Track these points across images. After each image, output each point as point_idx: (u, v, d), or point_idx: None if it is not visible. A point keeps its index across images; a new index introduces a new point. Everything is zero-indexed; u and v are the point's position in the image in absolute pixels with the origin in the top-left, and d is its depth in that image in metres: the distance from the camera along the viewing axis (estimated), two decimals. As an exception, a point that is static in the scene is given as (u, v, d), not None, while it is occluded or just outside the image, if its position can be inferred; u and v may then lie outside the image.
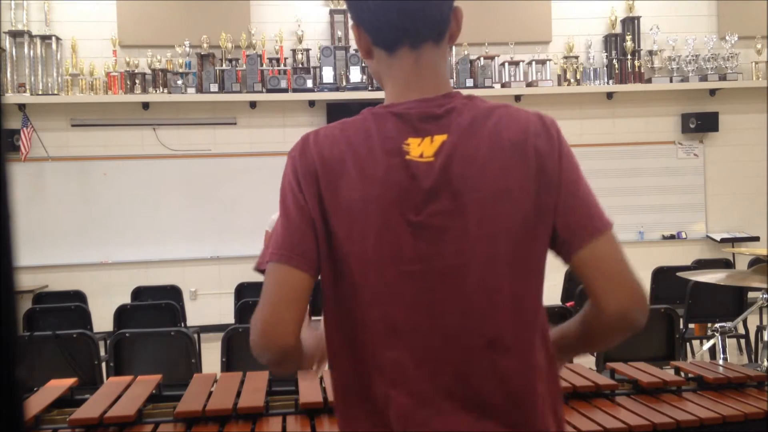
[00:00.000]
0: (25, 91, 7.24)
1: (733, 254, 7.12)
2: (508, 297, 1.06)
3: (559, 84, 7.93)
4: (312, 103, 7.76)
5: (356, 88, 7.63)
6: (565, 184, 1.08)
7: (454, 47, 7.62)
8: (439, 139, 1.08)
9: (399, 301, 1.06)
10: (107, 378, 3.02)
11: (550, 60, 7.90)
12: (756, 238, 7.99)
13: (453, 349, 1.05)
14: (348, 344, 1.09)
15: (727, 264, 6.05)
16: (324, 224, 1.08)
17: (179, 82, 7.45)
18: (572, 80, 7.94)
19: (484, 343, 1.05)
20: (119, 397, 2.21)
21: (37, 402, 2.19)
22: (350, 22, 1.20)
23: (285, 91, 7.54)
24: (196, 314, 6.52)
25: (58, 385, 2.35)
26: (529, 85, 7.82)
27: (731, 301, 4.79)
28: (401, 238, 1.06)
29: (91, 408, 2.10)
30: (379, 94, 7.96)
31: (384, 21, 1.12)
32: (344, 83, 7.69)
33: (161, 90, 7.49)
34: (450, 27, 1.15)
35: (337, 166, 1.07)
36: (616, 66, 8.02)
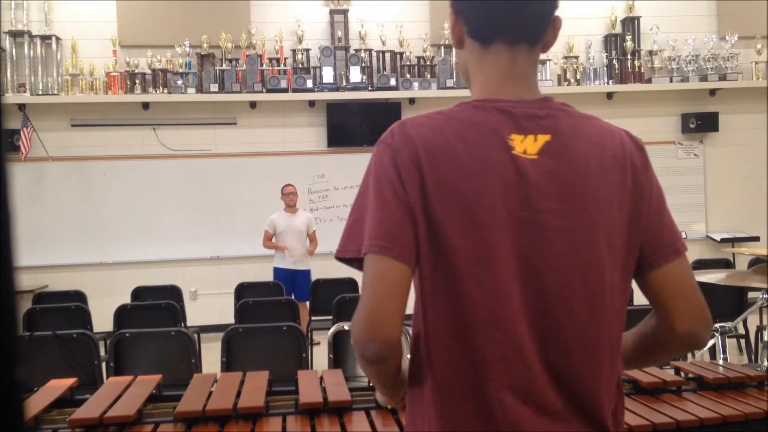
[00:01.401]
0: (25, 91, 7.25)
1: (733, 254, 7.12)
2: (605, 303, 1.07)
3: (559, 84, 7.94)
4: (312, 103, 7.76)
5: (356, 88, 7.63)
6: (655, 203, 1.12)
7: (453, 48, 7.61)
8: (543, 138, 1.08)
9: (503, 296, 1.04)
10: (107, 378, 3.02)
11: (550, 60, 7.90)
12: (756, 238, 7.99)
13: (553, 350, 1.05)
14: (451, 342, 1.06)
15: (727, 264, 6.04)
16: (425, 215, 1.04)
17: (179, 82, 7.45)
18: (572, 80, 7.95)
19: (582, 345, 1.06)
20: (119, 397, 2.21)
21: (37, 402, 2.19)
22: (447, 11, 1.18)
23: (285, 91, 7.54)
24: (196, 314, 6.52)
25: (58, 385, 2.35)
26: (529, 85, 7.82)
27: (731, 301, 4.79)
28: (507, 232, 1.04)
29: (91, 408, 2.10)
30: (380, 95, 7.96)
31: (484, 13, 1.11)
32: (344, 83, 7.69)
33: (161, 90, 7.49)
34: (546, 34, 1.14)
35: (445, 155, 1.05)
36: (616, 66, 8.02)
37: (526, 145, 1.07)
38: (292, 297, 6.46)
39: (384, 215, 1.04)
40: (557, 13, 1.14)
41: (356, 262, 1.08)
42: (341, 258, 1.10)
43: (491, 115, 1.08)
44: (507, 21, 1.10)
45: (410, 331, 1.16)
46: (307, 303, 6.33)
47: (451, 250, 1.04)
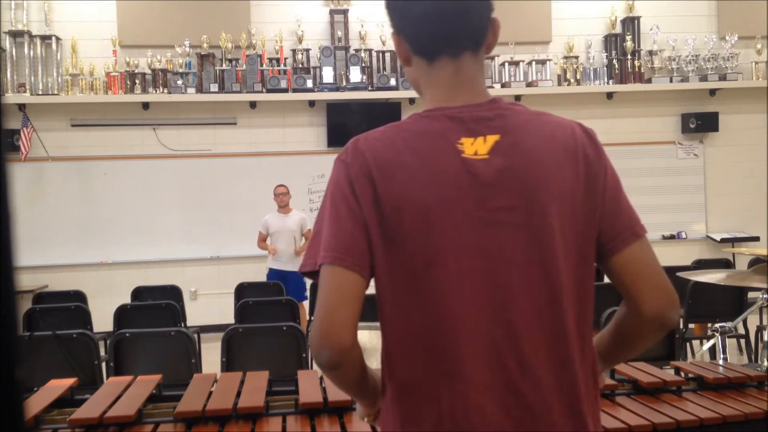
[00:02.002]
0: (25, 91, 7.25)
1: (733, 254, 7.12)
2: (566, 293, 1.09)
3: (559, 84, 7.94)
4: (312, 103, 7.76)
5: (356, 88, 7.63)
6: (610, 190, 1.14)
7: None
8: (492, 138, 1.11)
9: (465, 296, 1.07)
10: (107, 378, 3.02)
11: (550, 60, 7.90)
12: (756, 238, 7.99)
13: (517, 344, 1.07)
14: (412, 344, 1.09)
15: (727, 264, 6.04)
16: (380, 225, 1.08)
17: (179, 82, 7.45)
18: (572, 80, 7.94)
19: (547, 338, 1.08)
20: (119, 397, 2.21)
21: (37, 402, 2.19)
22: (389, 30, 1.22)
23: (285, 91, 7.54)
24: (196, 314, 6.52)
25: (58, 385, 2.35)
26: (529, 85, 7.83)
27: (731, 301, 4.79)
28: (465, 233, 1.07)
29: (91, 408, 2.10)
30: (379, 95, 7.95)
31: (425, 30, 1.15)
32: (344, 83, 7.69)
33: (161, 90, 7.49)
34: (487, 37, 1.17)
35: (396, 166, 1.09)
36: (616, 66, 8.02)
37: (477, 147, 1.10)
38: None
39: (338, 229, 1.09)
40: (492, 15, 1.17)
41: (317, 275, 1.12)
42: (303, 273, 1.14)
43: (440, 122, 1.12)
44: (447, 35, 1.14)
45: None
46: (305, 303, 6.32)
47: (408, 256, 1.08)
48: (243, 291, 5.57)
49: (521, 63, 7.85)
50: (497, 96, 1.17)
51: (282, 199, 6.63)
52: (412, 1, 1.14)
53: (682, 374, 2.48)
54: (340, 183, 1.11)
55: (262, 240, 6.65)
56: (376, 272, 1.10)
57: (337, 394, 2.19)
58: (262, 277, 6.64)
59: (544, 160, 1.10)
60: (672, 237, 8.06)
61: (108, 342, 3.42)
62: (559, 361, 1.08)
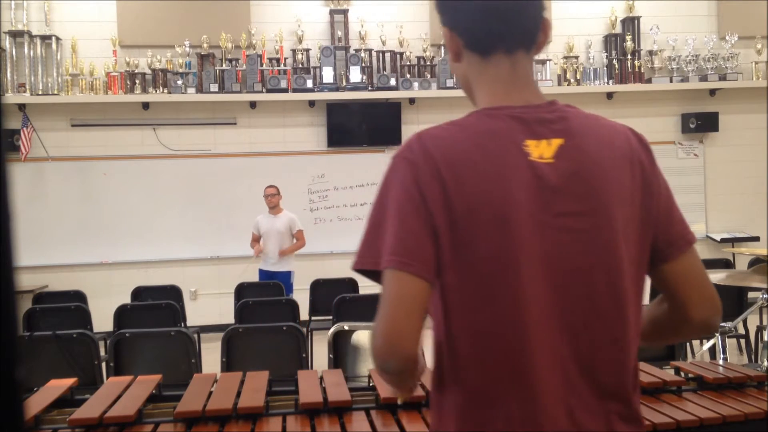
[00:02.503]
0: (25, 91, 7.25)
1: (733, 254, 7.11)
2: (628, 298, 1.10)
3: (559, 84, 7.94)
4: (312, 103, 7.76)
5: (356, 88, 7.63)
6: (664, 198, 1.15)
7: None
8: (556, 142, 1.10)
9: (533, 301, 1.06)
10: (107, 378, 3.02)
11: (550, 60, 7.90)
12: (756, 238, 7.99)
13: (580, 348, 1.08)
14: (483, 347, 1.07)
15: (727, 264, 6.04)
16: (450, 226, 1.05)
17: (179, 82, 7.46)
18: (572, 80, 7.95)
19: (611, 341, 1.09)
20: (119, 397, 2.21)
21: (37, 402, 2.19)
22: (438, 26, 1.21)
23: (285, 91, 7.54)
24: (196, 314, 6.52)
25: (58, 385, 2.35)
26: (529, 85, 7.82)
27: (731, 301, 4.79)
28: (533, 238, 1.06)
29: (91, 408, 2.10)
30: (379, 95, 7.93)
31: (480, 25, 1.13)
32: (344, 83, 7.69)
33: (161, 90, 7.49)
34: (539, 36, 1.16)
35: (464, 166, 1.06)
36: (616, 66, 8.02)
37: (542, 150, 1.09)
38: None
39: (404, 231, 1.05)
40: (545, 15, 1.16)
41: (373, 274, 1.09)
42: (358, 270, 1.10)
43: (504, 122, 1.10)
44: (503, 29, 1.13)
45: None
46: None
47: (480, 258, 1.05)
48: (243, 291, 5.57)
49: (521, 63, 7.85)
50: (553, 99, 1.16)
51: (271, 200, 6.55)
52: None
53: (682, 374, 2.48)
54: (405, 183, 1.07)
55: (255, 241, 6.63)
56: (442, 275, 1.07)
57: (337, 394, 2.19)
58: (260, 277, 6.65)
59: (606, 165, 1.10)
60: (672, 237, 8.04)
61: (108, 342, 3.42)
62: (619, 364, 1.10)
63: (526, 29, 1.14)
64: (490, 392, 1.07)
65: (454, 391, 1.10)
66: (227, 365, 3.23)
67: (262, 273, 6.58)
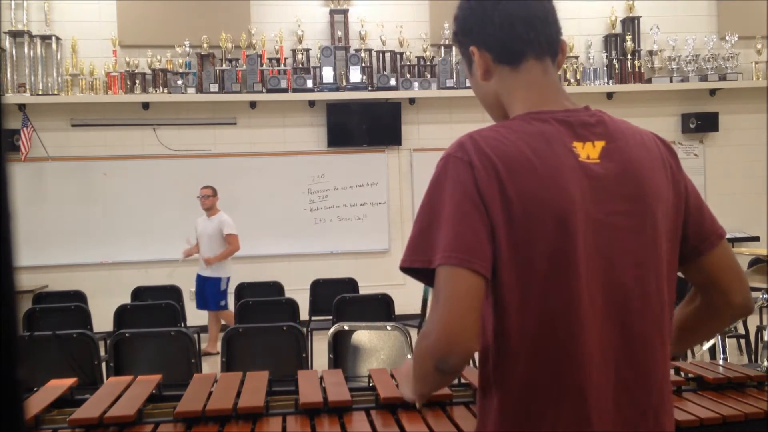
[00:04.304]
0: (25, 91, 7.25)
1: (733, 254, 7.11)
2: (667, 295, 1.16)
3: (559, 84, 7.93)
4: (312, 103, 7.76)
5: (356, 88, 7.63)
6: (692, 197, 1.21)
7: (453, 47, 7.62)
8: (600, 144, 1.13)
9: (588, 299, 1.08)
10: (107, 378, 3.02)
11: (550, 60, 7.90)
12: (756, 238, 7.99)
13: (632, 346, 1.11)
14: (538, 345, 1.08)
15: (727, 264, 6.02)
16: (509, 227, 1.06)
17: (179, 82, 7.46)
18: (572, 80, 7.95)
19: (657, 339, 1.14)
20: (119, 397, 2.21)
21: (37, 402, 2.19)
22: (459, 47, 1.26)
23: (285, 91, 7.54)
24: (196, 314, 6.52)
25: (58, 385, 2.35)
26: (529, 85, 7.82)
27: (731, 301, 4.78)
28: (587, 236, 1.09)
29: (91, 408, 2.10)
30: (379, 95, 7.92)
31: (510, 32, 1.17)
32: (344, 83, 7.69)
33: (161, 90, 7.49)
34: (559, 49, 1.22)
35: (521, 165, 1.07)
36: (616, 66, 8.02)
37: (588, 151, 1.12)
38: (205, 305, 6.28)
39: (462, 229, 1.05)
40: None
41: (423, 273, 1.08)
42: (407, 268, 1.10)
43: (551, 125, 1.13)
44: (532, 36, 1.17)
45: None
46: (229, 311, 6.09)
47: (538, 256, 1.07)
48: (243, 291, 5.57)
49: (521, 63, 7.85)
50: (585, 105, 1.20)
51: (204, 202, 6.33)
52: (492, 10, 1.17)
53: (682, 374, 2.48)
54: (462, 181, 1.07)
55: (189, 243, 6.51)
56: (498, 273, 1.07)
57: (337, 394, 2.19)
58: (260, 277, 6.64)
59: (646, 166, 1.14)
60: (672, 237, 8.05)
61: (108, 342, 3.42)
62: (664, 362, 1.15)
63: (550, 36, 1.19)
64: (540, 390, 1.08)
65: (502, 391, 1.11)
66: (227, 365, 3.23)
67: (198, 277, 6.46)
